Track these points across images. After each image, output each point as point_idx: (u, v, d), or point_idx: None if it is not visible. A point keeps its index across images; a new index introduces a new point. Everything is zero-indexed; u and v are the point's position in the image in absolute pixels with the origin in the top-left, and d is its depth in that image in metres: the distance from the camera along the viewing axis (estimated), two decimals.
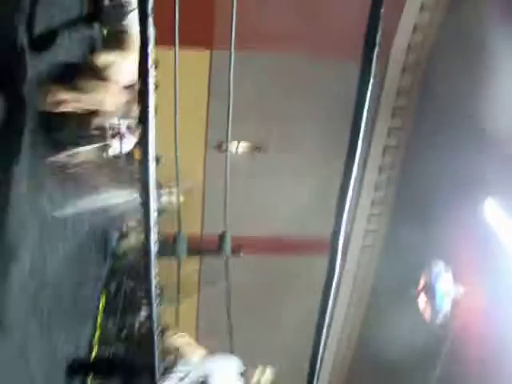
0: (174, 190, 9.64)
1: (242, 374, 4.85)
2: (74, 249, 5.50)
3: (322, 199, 13.22)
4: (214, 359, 4.91)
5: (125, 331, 11.50)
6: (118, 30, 4.04)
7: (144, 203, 1.33)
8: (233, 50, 5.22)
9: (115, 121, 8.79)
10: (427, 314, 9.72)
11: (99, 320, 9.35)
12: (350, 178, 1.36)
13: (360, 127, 1.29)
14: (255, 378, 4.74)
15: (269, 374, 4.84)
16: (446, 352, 10.64)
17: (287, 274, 14.65)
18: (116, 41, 3.95)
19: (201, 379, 4.61)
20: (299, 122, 13.13)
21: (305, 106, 13.00)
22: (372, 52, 1.19)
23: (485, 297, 9.49)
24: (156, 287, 1.48)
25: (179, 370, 4.68)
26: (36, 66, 3.96)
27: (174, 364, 4.86)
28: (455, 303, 9.51)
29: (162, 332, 9.36)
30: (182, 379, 4.55)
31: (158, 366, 1.51)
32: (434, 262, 9.70)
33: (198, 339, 15.35)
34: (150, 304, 1.52)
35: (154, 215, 1.36)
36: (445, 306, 9.33)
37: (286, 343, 15.00)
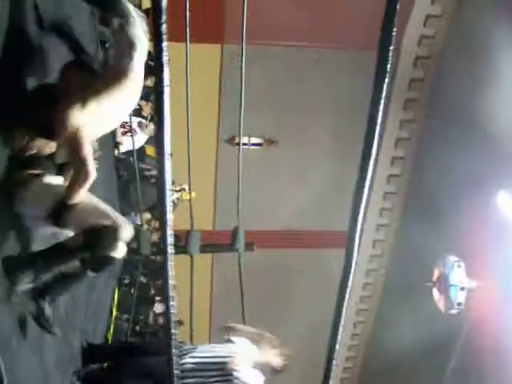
0: (186, 186, 9.65)
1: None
2: None
3: (334, 193, 13.20)
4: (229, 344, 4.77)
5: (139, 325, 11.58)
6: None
7: (160, 199, 1.33)
8: (244, 43, 5.20)
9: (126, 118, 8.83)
10: (441, 305, 9.69)
11: (114, 313, 9.40)
12: (366, 172, 1.35)
13: (376, 119, 1.27)
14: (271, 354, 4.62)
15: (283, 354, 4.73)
16: (460, 343, 10.62)
17: (300, 267, 14.64)
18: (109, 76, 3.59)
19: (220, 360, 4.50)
20: (312, 115, 13.11)
21: (317, 98, 12.98)
22: (389, 42, 1.18)
23: (498, 289, 9.45)
24: (172, 284, 1.47)
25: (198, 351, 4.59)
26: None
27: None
28: (469, 295, 9.47)
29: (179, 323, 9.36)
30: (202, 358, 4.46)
31: (175, 364, 1.50)
32: (448, 254, 9.66)
33: (210, 335, 15.49)
34: (166, 301, 1.51)
35: (169, 211, 1.35)
36: (459, 297, 9.30)
37: (299, 338, 15.02)
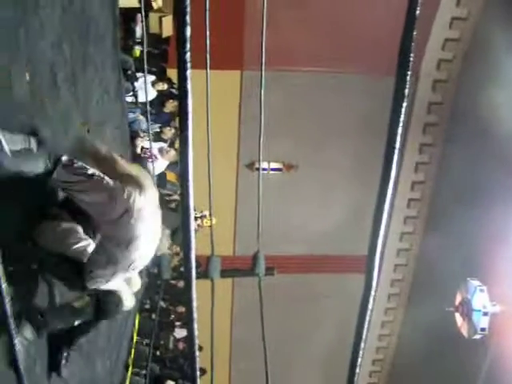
0: (206, 212, 9.66)
1: None
2: None
3: (355, 217, 13.16)
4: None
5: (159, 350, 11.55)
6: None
7: (184, 225, 1.35)
8: (263, 70, 5.26)
9: (146, 144, 8.91)
10: (464, 330, 9.58)
11: (135, 338, 9.39)
12: (385, 196, 1.36)
13: (395, 144, 1.29)
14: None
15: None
16: (485, 369, 10.46)
17: (321, 291, 14.56)
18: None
19: None
20: (331, 139, 13.15)
21: (337, 123, 13.02)
22: (406, 67, 1.20)
23: None
24: (195, 309, 1.49)
25: None
26: None
27: None
28: (493, 320, 9.35)
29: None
30: None
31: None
32: (470, 279, 9.57)
33: (231, 358, 15.38)
34: (190, 326, 1.52)
35: (193, 237, 1.37)
36: (482, 322, 9.18)
37: (321, 359, 14.91)
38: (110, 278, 3.38)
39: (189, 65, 1.09)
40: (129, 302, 3.70)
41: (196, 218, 10.20)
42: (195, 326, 1.62)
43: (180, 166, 1.28)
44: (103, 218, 3.37)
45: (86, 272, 3.36)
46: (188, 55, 1.09)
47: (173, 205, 10.29)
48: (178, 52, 1.08)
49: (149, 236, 3.38)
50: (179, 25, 1.12)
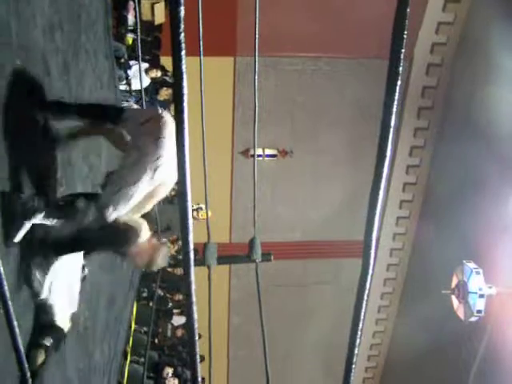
0: (202, 205, 9.66)
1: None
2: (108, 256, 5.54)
3: (351, 202, 13.19)
4: None
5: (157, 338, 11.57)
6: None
7: (182, 213, 1.35)
8: (257, 55, 5.24)
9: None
10: (461, 313, 9.62)
11: (133, 326, 9.41)
12: (380, 181, 1.35)
13: (389, 128, 1.29)
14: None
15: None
16: (481, 351, 10.54)
17: (318, 277, 14.62)
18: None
19: None
20: (325, 124, 13.14)
21: (331, 108, 13.01)
22: (399, 51, 1.20)
23: None
24: (194, 296, 1.49)
25: None
26: None
27: None
28: (489, 303, 9.40)
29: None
30: None
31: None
32: (466, 261, 9.60)
33: (229, 345, 15.43)
34: (188, 314, 1.52)
35: (191, 226, 1.37)
36: (478, 304, 9.22)
37: (319, 344, 14.98)
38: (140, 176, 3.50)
39: (183, 46, 1.09)
40: (144, 233, 3.68)
41: (192, 211, 10.17)
42: (194, 308, 1.62)
43: (176, 147, 1.28)
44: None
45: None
46: (182, 36, 1.09)
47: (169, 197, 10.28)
48: (172, 33, 1.07)
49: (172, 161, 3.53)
50: (172, 4, 1.12)
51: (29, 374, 2.15)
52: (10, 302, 1.95)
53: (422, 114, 13.11)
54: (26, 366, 2.11)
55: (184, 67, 1.11)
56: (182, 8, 1.12)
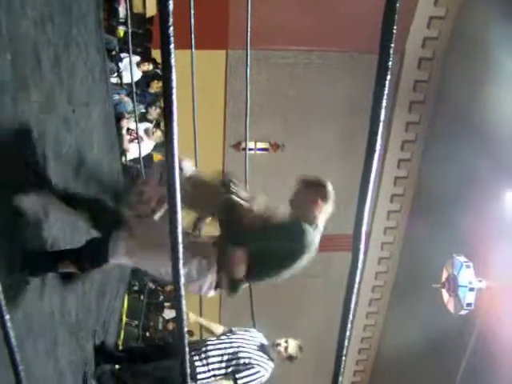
0: None
1: (274, 345, 5.00)
2: None
3: (343, 196, 13.18)
4: (240, 332, 4.97)
5: (149, 331, 11.59)
6: None
7: (171, 207, 1.35)
8: (248, 49, 5.25)
9: (132, 125, 8.87)
10: (451, 306, 9.67)
11: (124, 320, 9.42)
12: (370, 174, 1.36)
13: (379, 122, 1.29)
14: (282, 347, 4.85)
15: (294, 343, 4.96)
16: (471, 345, 10.60)
17: (306, 270, 14.63)
18: None
19: (234, 351, 4.72)
20: (317, 118, 13.14)
21: (323, 102, 13.00)
22: (389, 45, 1.20)
23: (508, 289, 9.43)
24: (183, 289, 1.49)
25: (211, 345, 4.76)
26: None
27: (201, 342, 4.91)
28: (479, 296, 9.45)
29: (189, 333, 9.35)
30: (220, 356, 4.65)
31: (188, 367, 1.51)
32: (456, 255, 9.64)
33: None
34: (177, 303, 1.53)
35: (180, 217, 1.38)
36: (468, 298, 9.26)
37: (307, 338, 14.99)
38: None
39: (172, 39, 1.09)
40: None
41: None
42: (183, 302, 1.63)
43: (165, 142, 1.28)
44: None
45: None
46: (171, 29, 1.09)
47: None
48: (161, 26, 1.08)
49: None
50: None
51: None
52: None
53: (414, 108, 13.13)
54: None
55: (173, 61, 1.12)
56: (171, 1, 1.12)
